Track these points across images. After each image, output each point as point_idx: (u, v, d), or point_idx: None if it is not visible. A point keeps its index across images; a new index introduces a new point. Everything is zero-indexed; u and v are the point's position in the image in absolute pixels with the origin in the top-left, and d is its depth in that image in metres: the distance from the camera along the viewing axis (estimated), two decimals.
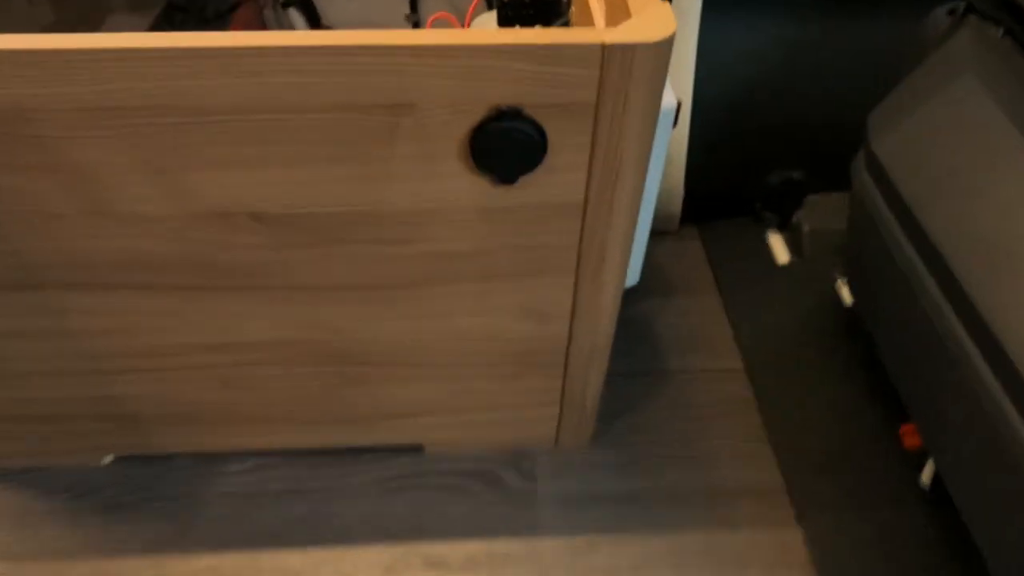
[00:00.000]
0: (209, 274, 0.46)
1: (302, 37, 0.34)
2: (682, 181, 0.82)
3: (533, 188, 0.41)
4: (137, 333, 0.50)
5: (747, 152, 0.83)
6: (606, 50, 0.35)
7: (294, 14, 0.80)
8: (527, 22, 0.61)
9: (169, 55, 0.34)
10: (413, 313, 0.49)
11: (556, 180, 0.41)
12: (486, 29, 0.34)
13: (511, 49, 0.34)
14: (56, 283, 0.46)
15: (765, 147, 0.82)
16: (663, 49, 0.35)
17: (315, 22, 0.82)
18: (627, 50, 0.35)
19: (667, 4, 0.36)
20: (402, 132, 0.38)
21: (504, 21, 0.61)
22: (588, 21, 0.46)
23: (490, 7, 0.74)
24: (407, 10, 1.01)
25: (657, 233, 0.84)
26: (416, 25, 0.97)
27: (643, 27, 0.35)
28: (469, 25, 0.72)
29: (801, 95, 0.79)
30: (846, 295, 0.75)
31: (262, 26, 0.88)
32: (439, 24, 0.98)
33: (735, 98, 0.80)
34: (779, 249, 0.83)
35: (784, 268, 0.81)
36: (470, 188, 0.41)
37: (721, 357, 0.73)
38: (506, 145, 0.38)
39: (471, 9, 0.71)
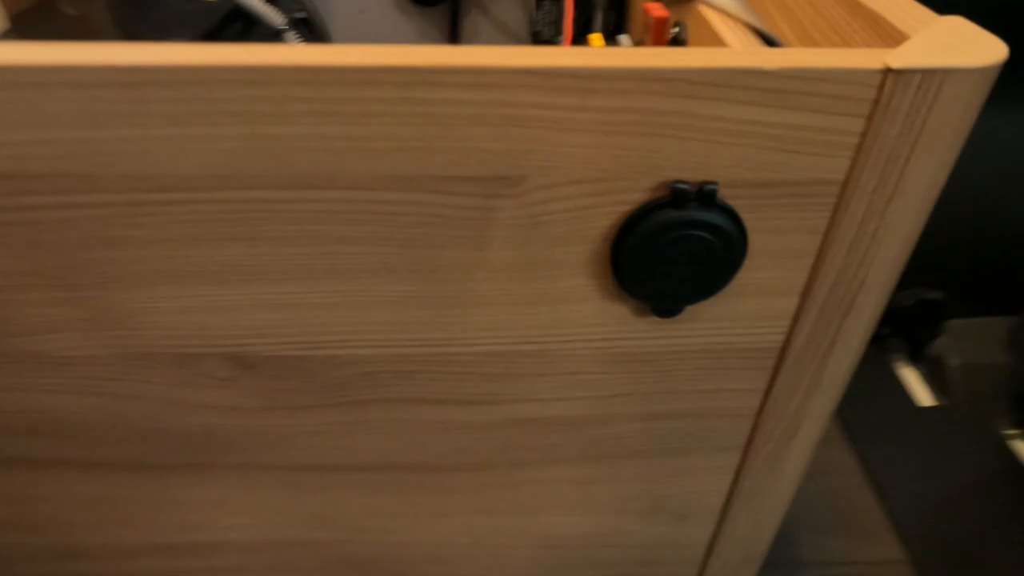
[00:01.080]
0: (160, 446, 0.29)
1: (338, 52, 0.19)
2: None
3: (702, 322, 0.25)
4: (50, 529, 0.32)
5: None
6: (892, 79, 0.19)
7: None
8: None
9: (95, 78, 0.18)
10: (479, 507, 0.32)
11: (745, 309, 0.24)
12: (659, 48, 0.19)
13: (718, 76, 0.19)
14: None
15: None
16: (986, 79, 0.19)
17: None
18: (931, 78, 0.19)
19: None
20: (498, 225, 0.22)
21: None
22: None
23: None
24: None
25: None
26: None
27: (948, 46, 0.19)
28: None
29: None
30: None
31: None
32: None
33: None
34: (918, 387, 0.65)
35: (928, 412, 0.63)
36: (599, 320, 0.24)
37: (874, 541, 0.53)
38: (680, 250, 0.22)
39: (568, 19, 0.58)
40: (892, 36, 0.21)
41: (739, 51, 0.19)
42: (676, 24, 0.43)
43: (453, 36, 0.83)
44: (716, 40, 0.36)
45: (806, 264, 0.23)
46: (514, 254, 0.22)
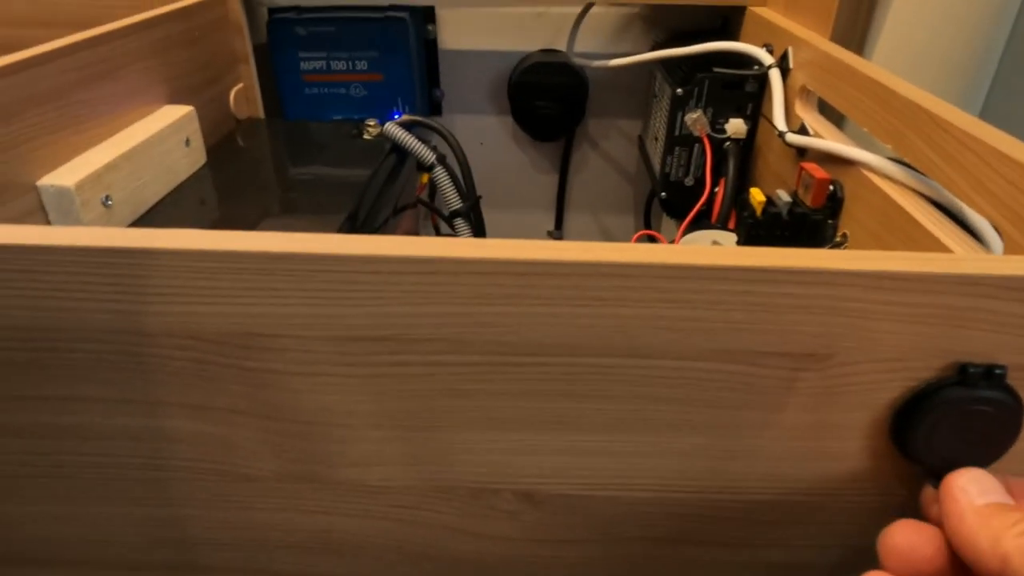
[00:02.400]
0: (425, 569, 0.31)
1: (693, 254, 0.23)
2: None
3: None
4: None
5: None
6: None
7: (461, 227, 0.73)
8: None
9: (498, 268, 0.23)
10: None
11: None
12: (967, 256, 0.23)
13: (1015, 281, 0.22)
14: (204, 565, 0.32)
15: None
16: None
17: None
18: None
19: None
20: (797, 393, 0.25)
21: (750, 243, 0.51)
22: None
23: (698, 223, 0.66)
24: (551, 226, 0.95)
25: None
26: None
27: None
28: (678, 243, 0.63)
29: None
30: None
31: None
32: (644, 242, 0.90)
33: None
34: None
35: None
36: (867, 477, 0.27)
37: None
38: (963, 423, 0.24)
39: (684, 225, 0.63)
40: None
41: None
42: (832, 183, 0.48)
43: (564, 167, 0.90)
44: (885, 202, 0.40)
45: None
46: (805, 417, 0.26)
